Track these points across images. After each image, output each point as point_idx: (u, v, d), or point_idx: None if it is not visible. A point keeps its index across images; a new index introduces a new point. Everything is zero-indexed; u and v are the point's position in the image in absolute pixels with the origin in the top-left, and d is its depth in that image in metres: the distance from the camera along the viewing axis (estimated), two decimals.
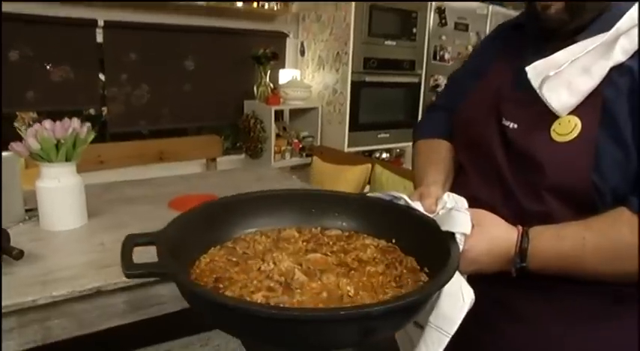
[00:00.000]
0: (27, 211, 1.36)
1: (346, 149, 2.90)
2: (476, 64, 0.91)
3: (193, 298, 0.56)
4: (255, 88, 2.99)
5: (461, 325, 0.60)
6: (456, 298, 0.61)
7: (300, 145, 2.99)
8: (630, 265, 0.60)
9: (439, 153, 0.89)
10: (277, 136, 2.84)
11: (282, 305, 0.56)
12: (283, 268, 0.64)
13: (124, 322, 1.10)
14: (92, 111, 2.89)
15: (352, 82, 2.80)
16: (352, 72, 2.79)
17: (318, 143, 3.04)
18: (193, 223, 0.70)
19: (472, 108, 0.83)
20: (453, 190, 0.75)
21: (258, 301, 0.57)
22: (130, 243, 0.64)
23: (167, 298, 1.13)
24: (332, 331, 0.50)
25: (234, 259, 0.69)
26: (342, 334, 0.50)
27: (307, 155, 2.99)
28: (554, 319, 0.71)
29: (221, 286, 0.61)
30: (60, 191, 1.25)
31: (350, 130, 2.87)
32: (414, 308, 0.55)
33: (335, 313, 0.51)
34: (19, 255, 1.04)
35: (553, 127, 0.67)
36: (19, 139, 1.20)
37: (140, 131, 2.87)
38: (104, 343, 1.21)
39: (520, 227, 0.66)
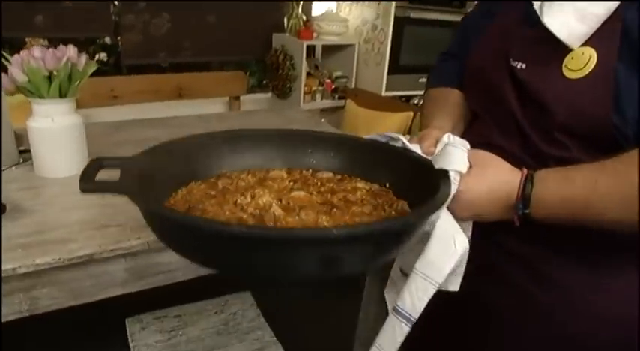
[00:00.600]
0: (22, 152, 1.20)
1: (383, 93, 2.64)
2: (489, 4, 0.84)
3: (149, 219, 0.54)
4: (285, 20, 2.71)
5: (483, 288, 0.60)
6: (447, 245, 0.57)
7: (333, 86, 2.74)
8: None
9: (446, 100, 0.85)
10: (308, 74, 2.58)
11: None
12: (261, 202, 0.59)
13: (125, 292, 0.95)
14: (108, 40, 2.69)
15: (395, 18, 2.49)
16: (396, 6, 2.47)
17: (353, 85, 2.78)
18: (176, 153, 0.66)
19: (481, 52, 0.78)
20: (467, 139, 0.67)
21: None
22: (97, 164, 0.61)
23: (176, 265, 0.97)
24: (288, 256, 0.45)
25: (212, 193, 0.65)
26: (301, 260, 0.45)
27: (340, 97, 2.75)
28: (585, 282, 0.66)
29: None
30: (54, 133, 1.07)
31: (389, 72, 2.60)
32: (383, 239, 0.49)
33: (288, 232, 0.46)
34: (1, 210, 0.88)
35: (565, 62, 0.61)
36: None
37: (158, 64, 2.66)
38: (103, 308, 1.07)
39: (525, 170, 0.60)
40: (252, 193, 0.61)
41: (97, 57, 2.77)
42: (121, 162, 0.60)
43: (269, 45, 2.77)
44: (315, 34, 2.60)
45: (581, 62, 0.60)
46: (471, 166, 0.61)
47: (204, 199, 0.63)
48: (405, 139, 0.68)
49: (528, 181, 0.59)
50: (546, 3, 0.62)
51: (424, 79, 2.89)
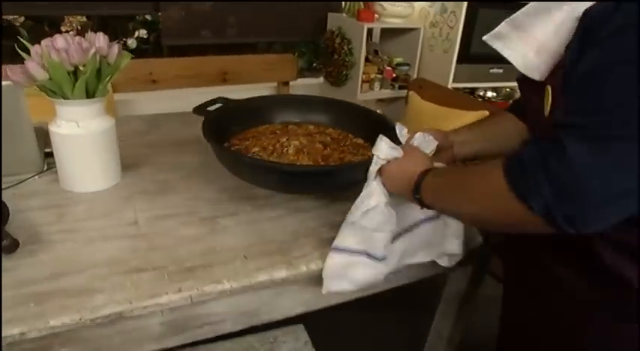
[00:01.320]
0: (48, 155, 1.04)
1: (450, 85, 2.37)
2: None
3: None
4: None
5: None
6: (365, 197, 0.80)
7: (393, 75, 2.48)
8: (484, 208, 0.63)
9: (490, 119, 1.04)
10: (366, 60, 2.33)
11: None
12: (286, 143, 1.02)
13: (161, 348, 0.78)
14: (149, 16, 2.51)
15: None
16: None
17: (415, 74, 2.52)
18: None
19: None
20: None
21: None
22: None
23: (224, 315, 0.80)
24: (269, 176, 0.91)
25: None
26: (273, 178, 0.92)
27: (400, 87, 2.50)
28: None
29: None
30: (80, 140, 0.90)
31: (458, 61, 2.32)
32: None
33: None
34: (11, 247, 0.71)
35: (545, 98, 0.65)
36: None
37: (200, 46, 2.47)
38: None
39: (432, 165, 0.78)
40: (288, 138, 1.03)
41: (136, 34, 2.61)
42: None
43: (324, 26, 2.53)
44: (376, 16, 2.34)
45: (547, 99, 0.63)
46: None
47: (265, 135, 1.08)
48: (400, 130, 0.89)
49: (424, 174, 0.73)
50: (514, 32, 0.67)
51: (496, 70, 2.63)
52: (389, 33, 2.63)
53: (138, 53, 2.67)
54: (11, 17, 2.46)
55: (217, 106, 1.14)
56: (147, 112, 2.28)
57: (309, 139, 1.06)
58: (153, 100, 2.23)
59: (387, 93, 2.51)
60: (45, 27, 2.70)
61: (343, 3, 2.44)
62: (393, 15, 2.35)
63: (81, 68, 0.85)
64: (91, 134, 0.91)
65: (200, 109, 1.10)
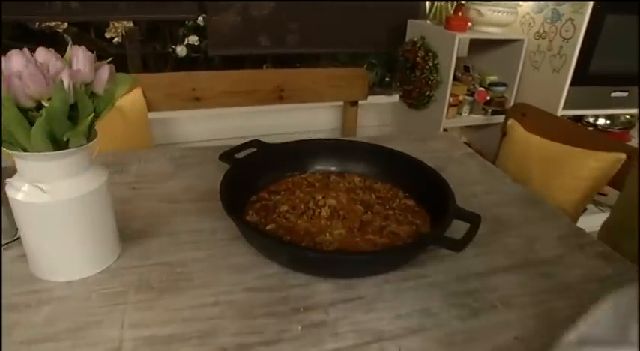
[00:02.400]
0: None
1: (560, 112, 1.94)
2: None
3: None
4: (426, 2, 2.11)
5: None
6: None
7: (488, 97, 2.09)
8: None
9: None
10: (454, 78, 1.96)
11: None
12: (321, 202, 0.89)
13: None
14: (200, 20, 2.29)
15: (595, 4, 1.78)
16: None
17: (512, 97, 2.11)
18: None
19: None
20: None
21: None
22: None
23: None
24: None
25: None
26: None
27: (494, 112, 2.10)
28: None
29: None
30: (45, 210, 0.61)
31: (572, 83, 1.90)
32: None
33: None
34: None
35: None
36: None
37: (252, 57, 2.21)
38: None
39: None
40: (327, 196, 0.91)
41: (185, 41, 2.39)
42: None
43: (402, 35, 2.19)
44: (469, 24, 1.96)
45: None
46: None
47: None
48: None
49: None
50: None
51: (618, 93, 2.19)
52: (480, 45, 2.24)
53: (187, 63, 2.46)
54: (53, 23, 2.31)
55: (249, 150, 0.96)
56: (186, 136, 2.05)
57: (350, 197, 0.93)
58: (195, 120, 1.98)
59: (477, 119, 2.12)
60: (92, 34, 2.54)
61: (427, 6, 2.08)
62: (491, 23, 1.97)
63: (45, 104, 0.56)
64: (61, 203, 0.62)
65: (228, 156, 0.90)
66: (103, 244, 0.71)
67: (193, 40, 2.42)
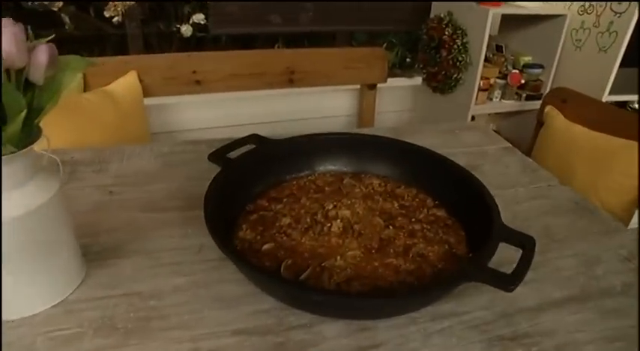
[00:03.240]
0: None
1: (605, 97, 1.76)
2: None
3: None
4: None
5: None
6: None
7: (522, 80, 1.91)
8: None
9: None
10: (484, 59, 1.78)
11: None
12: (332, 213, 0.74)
13: None
14: None
15: None
16: None
17: (550, 80, 1.93)
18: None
19: None
20: None
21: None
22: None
23: None
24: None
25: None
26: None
27: (529, 98, 1.92)
28: None
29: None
30: None
31: (623, 64, 1.71)
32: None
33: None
34: None
35: None
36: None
37: (263, 36, 2.05)
38: None
39: None
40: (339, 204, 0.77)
41: (191, 20, 2.24)
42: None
43: (427, 11, 2.00)
44: None
45: None
46: None
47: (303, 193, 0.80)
48: None
49: None
50: None
51: None
52: (514, 22, 2.04)
53: (194, 44, 2.31)
54: (47, 2, 2.17)
55: (247, 147, 0.81)
56: (186, 123, 1.91)
57: (368, 205, 0.79)
58: (196, 106, 1.84)
59: (510, 105, 1.95)
60: (91, 13, 2.40)
61: None
62: None
63: None
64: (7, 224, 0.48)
65: (219, 156, 0.75)
66: (58, 270, 0.58)
67: (199, 18, 2.26)
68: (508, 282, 0.52)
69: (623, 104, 2.17)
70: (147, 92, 1.55)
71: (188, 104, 1.83)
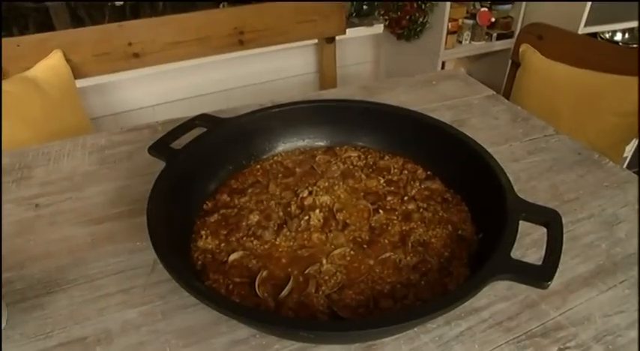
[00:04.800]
0: None
1: (581, 29, 1.67)
2: None
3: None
4: None
5: None
6: None
7: (492, 19, 1.80)
8: None
9: None
10: None
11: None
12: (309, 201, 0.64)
13: None
14: None
15: None
16: None
17: (520, 17, 1.83)
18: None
19: None
20: None
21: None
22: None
23: None
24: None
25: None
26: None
27: (500, 36, 1.82)
28: None
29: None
30: None
31: None
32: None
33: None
34: None
35: None
36: None
37: None
38: None
39: None
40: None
41: None
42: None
43: None
44: None
45: None
46: None
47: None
48: None
49: None
50: None
51: None
52: None
53: (130, 13, 2.11)
54: None
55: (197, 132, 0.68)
56: (130, 103, 1.73)
57: (350, 186, 0.68)
58: (138, 83, 1.67)
59: (481, 47, 1.85)
60: None
61: None
62: None
63: None
64: None
65: (159, 148, 0.63)
66: None
67: None
68: (541, 276, 0.42)
69: (593, 35, 2.11)
70: (78, 73, 1.38)
71: (129, 81, 1.65)
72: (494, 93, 1.04)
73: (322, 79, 1.91)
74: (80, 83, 1.41)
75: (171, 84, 1.72)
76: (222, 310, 0.41)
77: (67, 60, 1.35)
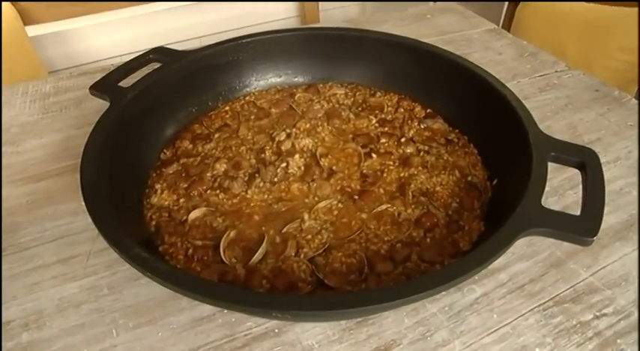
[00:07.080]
0: None
1: None
2: None
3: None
4: None
5: None
6: None
7: None
8: None
9: None
10: None
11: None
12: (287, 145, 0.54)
13: None
14: None
15: None
16: None
17: None
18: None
19: None
20: None
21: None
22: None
23: None
24: None
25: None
26: None
27: None
28: None
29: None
30: None
31: None
32: None
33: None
34: None
35: None
36: None
37: None
38: None
39: None
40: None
41: None
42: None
43: None
44: None
45: None
46: None
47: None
48: None
49: None
50: None
51: None
52: None
53: None
54: None
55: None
56: (93, 54, 1.58)
57: (336, 127, 0.58)
58: (100, 29, 1.52)
59: None
60: None
61: None
62: None
63: None
64: None
65: (105, 85, 0.54)
66: None
67: None
68: (583, 229, 0.33)
69: None
70: (28, 19, 1.24)
71: (90, 28, 1.50)
72: (496, 26, 0.93)
73: (304, 22, 1.77)
74: (32, 31, 1.27)
75: (140, 31, 1.57)
76: (168, 285, 0.31)
77: (13, 4, 1.21)
